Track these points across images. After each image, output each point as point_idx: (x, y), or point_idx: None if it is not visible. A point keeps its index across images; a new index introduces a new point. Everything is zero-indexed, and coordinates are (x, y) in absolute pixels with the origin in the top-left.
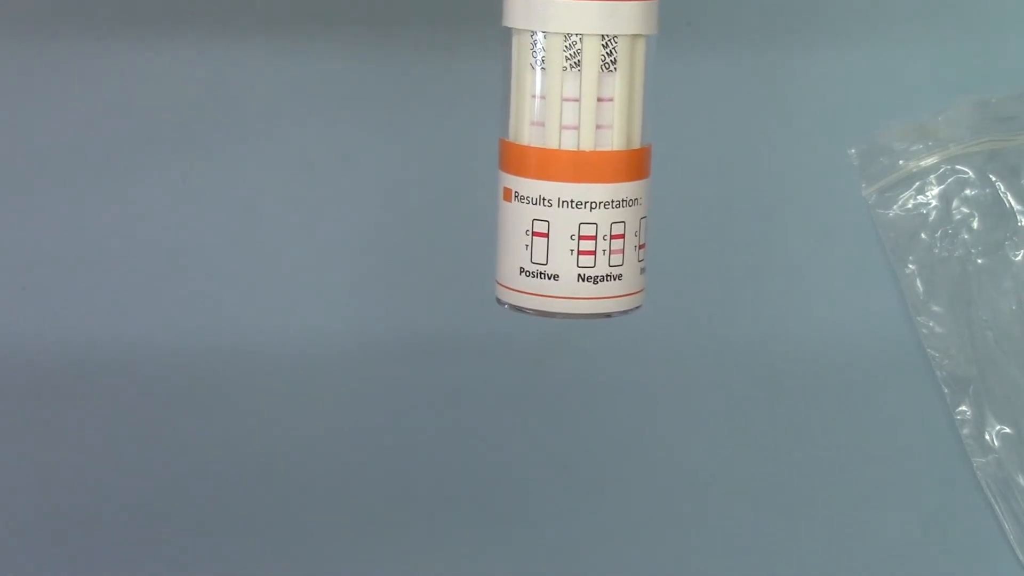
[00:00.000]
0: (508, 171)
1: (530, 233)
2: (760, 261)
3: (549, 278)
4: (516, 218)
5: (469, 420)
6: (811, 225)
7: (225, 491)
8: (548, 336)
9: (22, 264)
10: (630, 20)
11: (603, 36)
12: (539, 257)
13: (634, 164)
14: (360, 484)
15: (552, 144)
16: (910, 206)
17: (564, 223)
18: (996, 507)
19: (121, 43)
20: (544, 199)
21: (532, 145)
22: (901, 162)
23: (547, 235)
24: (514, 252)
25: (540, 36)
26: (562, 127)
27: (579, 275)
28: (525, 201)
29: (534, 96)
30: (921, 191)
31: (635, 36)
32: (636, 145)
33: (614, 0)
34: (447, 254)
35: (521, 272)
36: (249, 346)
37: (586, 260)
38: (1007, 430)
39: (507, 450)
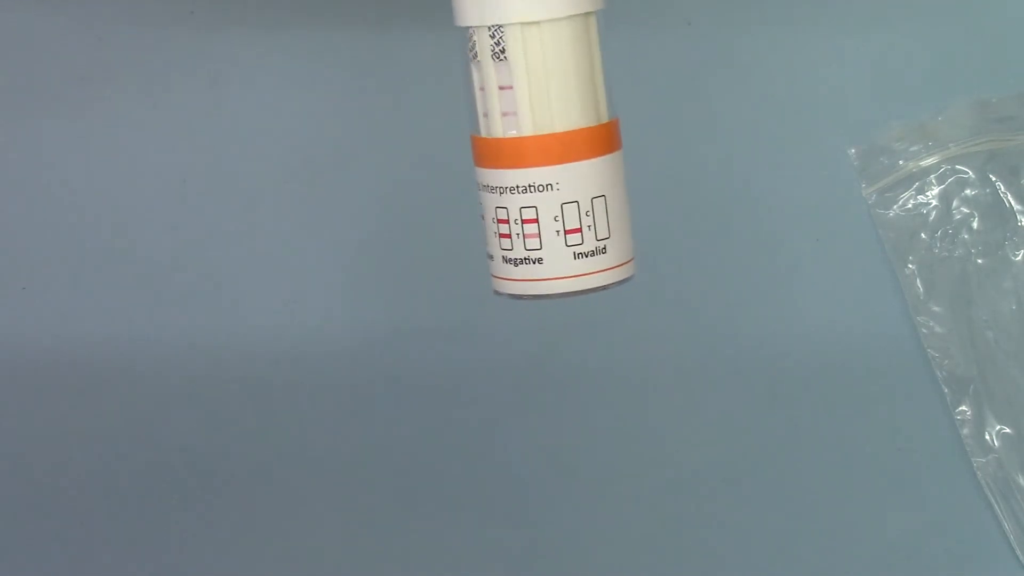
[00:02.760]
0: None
1: (480, 217)
2: (760, 261)
3: (490, 258)
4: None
5: (468, 417)
6: (811, 225)
7: (225, 491)
8: (544, 332)
9: (22, 264)
10: (509, 9)
11: (488, 27)
12: (485, 239)
13: (543, 149)
14: (359, 483)
15: (476, 133)
16: (910, 206)
17: (487, 207)
18: (996, 507)
19: (120, 42)
20: (479, 185)
21: (472, 134)
22: (901, 162)
23: (483, 219)
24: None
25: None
26: (480, 115)
27: (503, 257)
28: (476, 188)
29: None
30: (921, 191)
31: (523, 24)
32: (549, 130)
33: None
34: (447, 250)
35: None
36: (249, 345)
37: (505, 243)
38: (1007, 430)
39: (505, 449)
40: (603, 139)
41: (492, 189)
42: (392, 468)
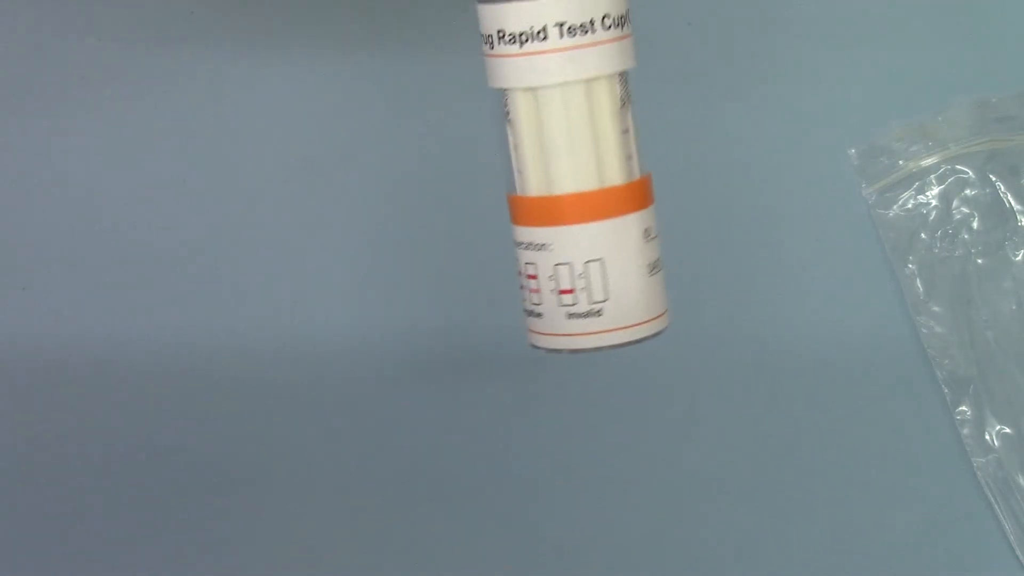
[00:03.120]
0: None
1: None
2: (760, 261)
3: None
4: None
5: (468, 417)
6: (811, 225)
7: (225, 491)
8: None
9: (22, 264)
10: (508, 75)
11: (500, 90)
12: None
13: (538, 210)
14: (360, 483)
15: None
16: (910, 206)
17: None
18: (996, 507)
19: (120, 42)
20: None
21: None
22: (901, 162)
23: None
24: None
25: None
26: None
27: (523, 306)
28: None
29: None
30: (921, 191)
31: (524, 89)
32: (547, 192)
33: (497, 57)
34: (450, 251)
35: None
36: (250, 346)
37: (522, 294)
38: (1007, 430)
39: (505, 449)
40: (604, 204)
41: (513, 242)
42: (393, 468)
